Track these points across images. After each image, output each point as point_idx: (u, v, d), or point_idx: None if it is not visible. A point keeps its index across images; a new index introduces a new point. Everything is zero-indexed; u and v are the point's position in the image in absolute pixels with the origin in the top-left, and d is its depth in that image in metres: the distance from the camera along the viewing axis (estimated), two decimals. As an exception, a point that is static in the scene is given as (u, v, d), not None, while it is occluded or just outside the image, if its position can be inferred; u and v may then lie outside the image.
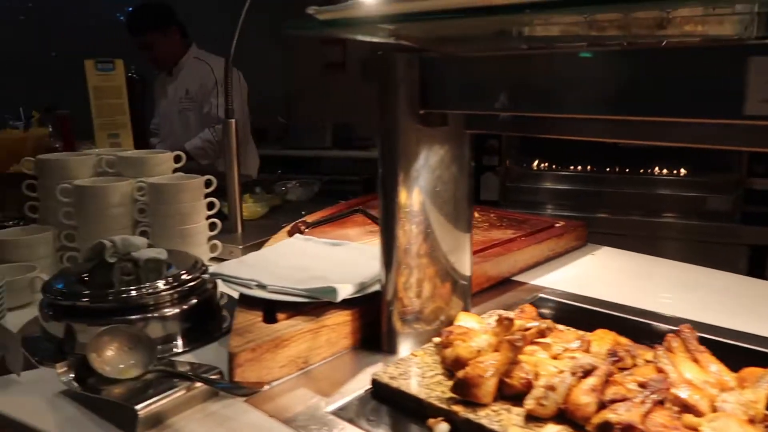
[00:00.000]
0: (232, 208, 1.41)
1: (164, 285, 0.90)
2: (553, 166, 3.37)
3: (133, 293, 0.88)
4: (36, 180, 1.26)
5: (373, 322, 0.89)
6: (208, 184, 1.27)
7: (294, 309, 0.88)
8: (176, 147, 2.60)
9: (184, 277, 0.93)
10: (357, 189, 3.29)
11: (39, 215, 1.26)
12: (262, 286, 0.91)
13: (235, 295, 0.96)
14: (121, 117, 1.46)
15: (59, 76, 3.63)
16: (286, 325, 0.83)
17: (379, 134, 0.84)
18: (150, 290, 0.89)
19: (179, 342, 0.90)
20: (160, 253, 0.97)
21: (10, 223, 1.46)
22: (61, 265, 1.22)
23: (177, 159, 1.33)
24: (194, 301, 0.93)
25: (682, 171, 2.96)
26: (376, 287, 0.90)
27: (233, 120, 1.40)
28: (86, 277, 0.95)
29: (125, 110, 1.46)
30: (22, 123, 1.81)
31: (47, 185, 1.23)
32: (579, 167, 3.31)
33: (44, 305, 0.93)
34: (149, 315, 0.88)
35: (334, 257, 1.06)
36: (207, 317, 0.96)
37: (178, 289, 0.91)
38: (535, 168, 3.38)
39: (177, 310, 0.90)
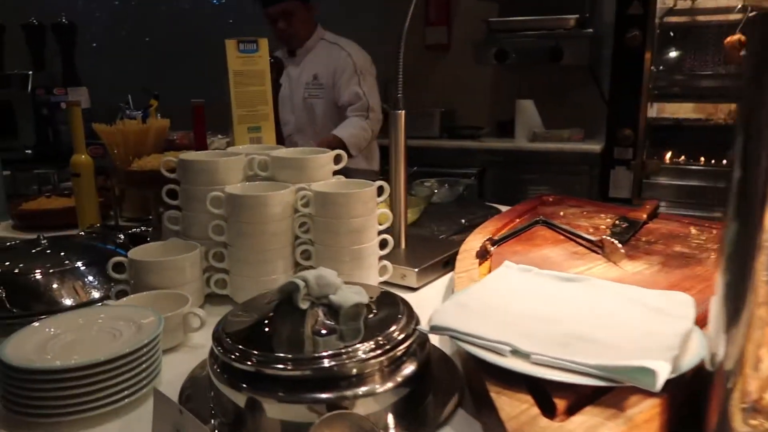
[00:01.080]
0: (397, 217, 1.15)
1: (373, 347, 0.65)
2: (691, 160, 2.97)
3: (342, 359, 0.63)
4: (176, 184, 1.04)
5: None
6: (380, 191, 1.01)
7: (568, 388, 0.61)
8: (303, 141, 2.39)
9: (396, 334, 0.67)
10: (472, 182, 3.00)
11: (182, 227, 1.05)
12: (520, 354, 0.64)
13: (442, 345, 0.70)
14: (263, 107, 1.22)
15: (153, 61, 3.53)
16: (583, 426, 0.56)
17: (744, 128, 0.54)
18: (359, 355, 0.64)
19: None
20: (359, 295, 0.72)
21: (137, 229, 1.26)
22: (208, 289, 1.00)
23: (337, 159, 1.08)
24: (410, 369, 0.67)
25: None
26: (695, 361, 0.61)
27: (402, 112, 1.13)
28: (267, 326, 0.71)
29: (268, 99, 1.23)
30: (140, 113, 1.63)
31: (191, 192, 1.01)
32: (713, 161, 2.90)
33: (216, 361, 0.69)
34: (357, 390, 0.63)
35: (585, 302, 0.78)
36: (423, 391, 0.70)
37: (390, 353, 0.65)
38: (669, 162, 2.99)
39: (390, 385, 0.65)
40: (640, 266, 1.01)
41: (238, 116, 1.20)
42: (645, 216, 1.30)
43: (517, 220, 1.37)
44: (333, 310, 0.70)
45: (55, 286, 0.98)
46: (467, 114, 3.67)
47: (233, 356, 0.66)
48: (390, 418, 0.64)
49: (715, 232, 1.22)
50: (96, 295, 0.98)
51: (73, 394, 0.64)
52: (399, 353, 0.66)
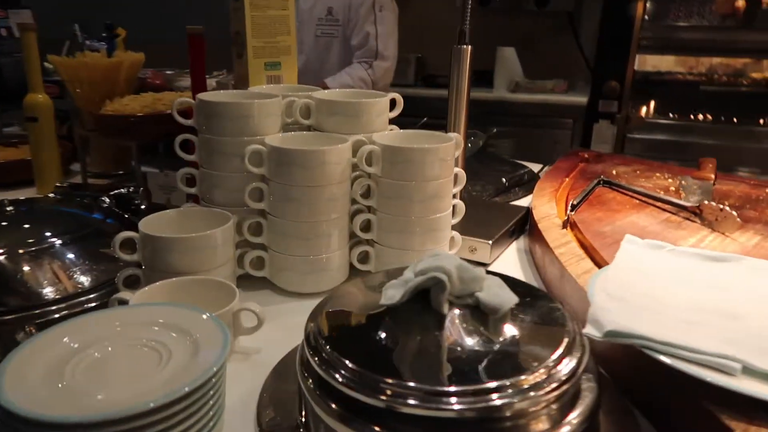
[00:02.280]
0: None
1: (538, 376, 0.45)
2: (676, 115, 2.90)
3: (515, 393, 0.44)
4: (194, 134, 0.80)
5: None
6: (456, 145, 0.81)
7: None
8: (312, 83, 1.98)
9: (566, 352, 0.48)
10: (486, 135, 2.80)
11: (200, 189, 0.81)
12: (754, 372, 0.47)
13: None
14: (284, 38, 0.97)
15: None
16: None
17: None
18: (524, 387, 0.44)
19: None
20: (504, 289, 0.52)
21: (123, 190, 1.00)
22: (240, 270, 0.77)
23: (392, 106, 0.87)
24: (590, 400, 0.49)
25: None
26: None
27: (469, 48, 0.92)
28: (389, 336, 0.51)
29: (291, 27, 0.98)
30: (104, 44, 1.32)
31: (216, 144, 0.77)
32: (701, 116, 2.85)
33: (316, 385, 0.49)
34: None
35: (758, 290, 0.62)
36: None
37: (570, 381, 0.46)
38: (651, 116, 2.92)
39: (574, 420, 0.46)
40: (755, 237, 0.86)
41: (253, 48, 0.95)
42: (713, 176, 1.16)
43: (566, 179, 1.20)
44: (477, 314, 0.51)
45: (26, 269, 0.73)
46: (442, 63, 3.45)
47: (349, 383, 0.46)
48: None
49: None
50: (85, 282, 0.74)
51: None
52: (574, 380, 0.47)
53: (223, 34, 1.06)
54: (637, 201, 1.03)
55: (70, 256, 0.77)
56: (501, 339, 0.49)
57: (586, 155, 1.39)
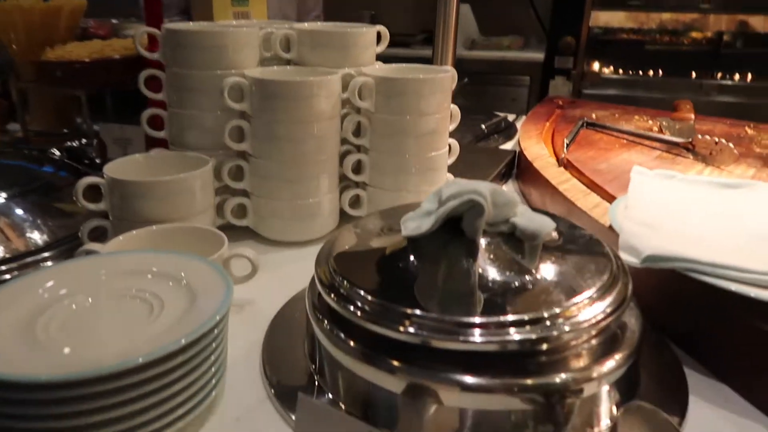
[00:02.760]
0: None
1: (582, 306, 0.41)
2: (630, 71, 2.93)
3: (565, 322, 0.39)
4: (161, 69, 0.70)
5: None
6: (453, 78, 0.75)
7: None
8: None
9: (610, 280, 0.43)
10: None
11: (170, 132, 0.72)
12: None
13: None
14: (251, -33, 0.88)
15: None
16: None
17: None
18: (567, 318, 0.39)
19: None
20: (540, 216, 0.47)
21: (73, 143, 0.90)
22: (220, 220, 0.70)
23: (378, 38, 0.79)
24: (636, 328, 0.45)
25: None
26: None
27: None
28: (409, 266, 0.45)
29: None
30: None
31: (187, 80, 0.68)
32: (651, 72, 2.89)
33: (333, 325, 0.43)
34: (594, 369, 0.40)
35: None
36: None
37: (618, 310, 0.42)
38: (605, 72, 2.93)
39: (620, 356, 0.42)
40: (750, 170, 0.84)
41: (216, -20, 0.85)
42: (692, 116, 1.14)
43: (546, 123, 1.16)
44: (512, 242, 0.45)
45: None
46: (393, 20, 3.36)
47: (375, 318, 0.40)
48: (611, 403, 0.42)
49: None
50: (38, 239, 0.65)
51: (99, 421, 0.35)
52: (620, 311, 0.43)
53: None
54: (625, 141, 1.00)
55: (19, 211, 0.67)
56: (541, 268, 0.44)
57: (561, 102, 1.35)
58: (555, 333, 0.38)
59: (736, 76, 2.69)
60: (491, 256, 0.44)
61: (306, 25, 0.77)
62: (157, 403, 0.37)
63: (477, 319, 0.38)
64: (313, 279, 0.50)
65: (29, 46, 1.05)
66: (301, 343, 0.50)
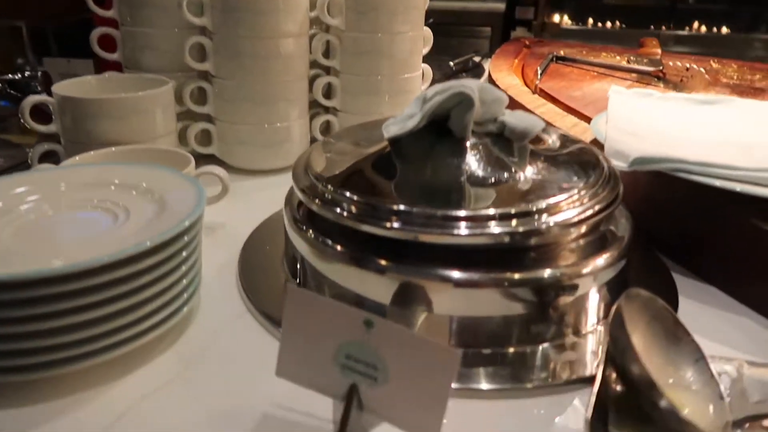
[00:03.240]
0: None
1: (588, 197, 0.39)
2: (580, 23, 2.93)
3: (555, 219, 0.37)
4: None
5: None
6: (423, -2, 0.71)
7: None
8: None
9: (601, 180, 0.42)
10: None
11: (123, 54, 0.66)
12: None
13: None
14: None
15: None
16: None
17: None
18: (559, 214, 0.38)
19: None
20: (532, 117, 0.45)
21: (14, 76, 0.83)
22: (184, 148, 0.65)
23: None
24: (627, 228, 0.43)
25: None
26: None
27: None
28: (394, 167, 0.42)
29: None
30: None
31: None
32: (609, 24, 2.90)
33: (313, 233, 0.40)
34: (584, 266, 0.39)
35: (759, 123, 0.59)
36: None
37: (612, 206, 0.40)
38: (565, 23, 2.93)
39: (615, 253, 0.40)
40: (723, 92, 0.84)
41: None
42: (659, 52, 1.14)
43: (515, 60, 1.14)
44: (501, 142, 0.43)
45: None
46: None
47: (363, 217, 0.37)
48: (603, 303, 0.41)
49: (735, 66, 1.09)
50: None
51: (65, 326, 0.32)
52: (610, 210, 0.41)
53: None
54: (595, 73, 0.99)
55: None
56: (531, 168, 0.42)
57: (527, 42, 1.33)
58: (545, 226, 0.37)
59: (694, 26, 2.72)
60: (479, 156, 0.42)
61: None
62: (128, 309, 0.33)
63: (467, 212, 0.36)
64: (290, 192, 0.47)
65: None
66: (279, 261, 0.47)
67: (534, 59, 1.10)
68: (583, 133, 0.64)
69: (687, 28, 2.71)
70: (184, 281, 0.38)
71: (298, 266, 0.43)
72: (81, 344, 0.32)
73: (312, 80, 0.68)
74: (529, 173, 0.41)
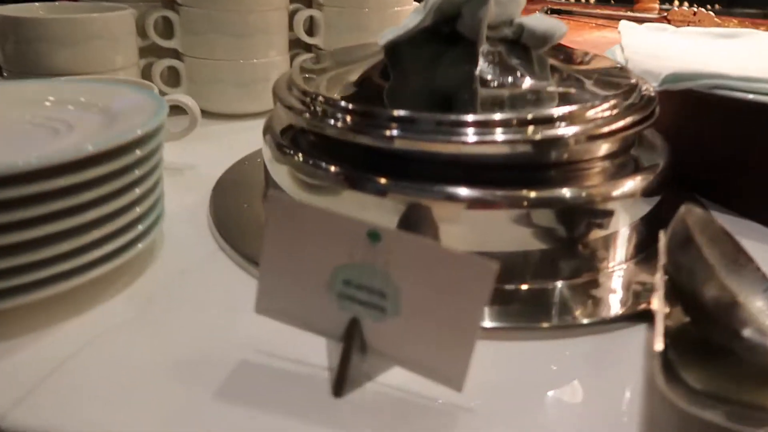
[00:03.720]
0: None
1: (600, 108, 0.33)
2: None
3: (580, 127, 0.31)
4: None
5: None
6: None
7: None
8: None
9: (632, 90, 0.35)
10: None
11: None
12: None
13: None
14: None
15: None
16: None
17: None
18: (583, 123, 0.31)
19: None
20: (553, 20, 0.39)
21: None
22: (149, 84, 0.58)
23: None
24: (654, 165, 0.37)
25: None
26: None
27: None
28: (399, 74, 0.36)
29: None
30: None
31: None
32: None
33: (304, 154, 0.34)
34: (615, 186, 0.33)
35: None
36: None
37: (648, 120, 0.34)
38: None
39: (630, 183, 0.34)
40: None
41: None
42: (657, 6, 1.09)
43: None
44: (518, 49, 0.37)
45: None
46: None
47: (359, 128, 0.31)
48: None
49: (736, 21, 1.04)
50: None
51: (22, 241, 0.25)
52: (644, 126, 0.35)
53: None
54: (594, 24, 0.93)
55: None
56: (553, 76, 0.36)
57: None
58: (570, 134, 0.30)
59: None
60: (494, 63, 0.35)
61: None
62: (70, 233, 0.27)
63: (479, 118, 0.30)
64: (270, 118, 0.41)
65: None
66: (258, 200, 0.41)
67: (526, 12, 1.04)
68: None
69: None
70: (138, 209, 0.31)
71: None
72: (8, 275, 0.25)
73: (292, 15, 0.61)
74: (551, 83, 0.35)
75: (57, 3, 0.56)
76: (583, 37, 0.79)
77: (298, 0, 0.62)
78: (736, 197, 0.42)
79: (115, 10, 0.52)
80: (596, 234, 0.33)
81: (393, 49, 0.37)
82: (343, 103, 0.32)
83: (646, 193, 0.34)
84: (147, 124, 0.30)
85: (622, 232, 0.34)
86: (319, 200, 0.34)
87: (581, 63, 0.40)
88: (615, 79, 0.37)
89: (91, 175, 0.26)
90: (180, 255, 0.35)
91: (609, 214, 0.32)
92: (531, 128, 0.30)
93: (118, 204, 0.29)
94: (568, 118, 0.31)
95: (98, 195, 0.27)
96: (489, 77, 0.35)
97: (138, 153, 0.29)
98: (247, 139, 0.51)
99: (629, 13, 0.94)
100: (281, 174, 0.36)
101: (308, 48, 0.64)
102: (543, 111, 0.31)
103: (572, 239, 0.31)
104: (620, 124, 0.32)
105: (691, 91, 0.41)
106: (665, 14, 0.84)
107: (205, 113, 0.59)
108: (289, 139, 0.37)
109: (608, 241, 0.33)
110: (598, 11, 0.99)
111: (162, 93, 0.58)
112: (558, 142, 0.30)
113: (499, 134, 0.30)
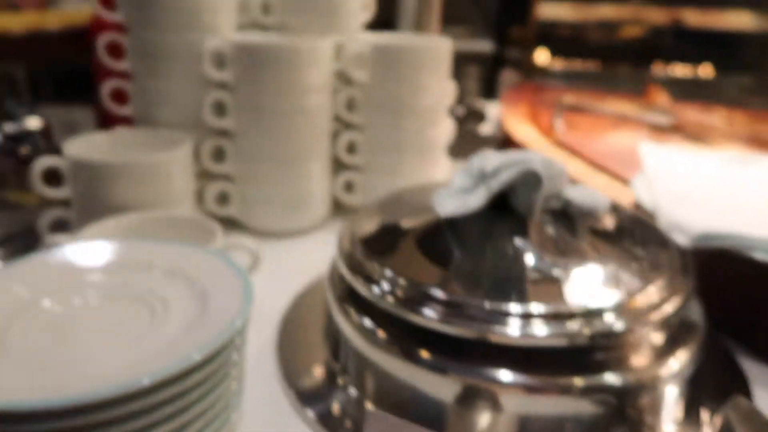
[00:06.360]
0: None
1: (648, 290, 0.36)
2: (579, 61, 2.98)
3: (632, 314, 0.34)
4: (123, 31, 0.61)
5: None
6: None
7: None
8: None
9: (674, 278, 0.39)
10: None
11: (136, 108, 0.62)
12: None
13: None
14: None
15: None
16: None
17: None
18: (635, 311, 0.35)
19: None
20: (594, 192, 0.42)
21: (12, 124, 0.79)
22: (202, 207, 0.61)
23: (364, 6, 0.72)
24: (692, 336, 0.40)
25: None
26: None
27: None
28: (467, 253, 0.39)
29: None
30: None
31: (157, 44, 0.59)
32: (592, 63, 2.95)
33: (374, 323, 0.36)
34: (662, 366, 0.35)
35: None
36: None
37: (670, 312, 0.37)
38: (554, 63, 2.97)
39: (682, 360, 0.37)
40: (737, 147, 0.83)
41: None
42: (666, 101, 1.14)
43: (523, 107, 1.12)
44: (564, 220, 0.40)
45: None
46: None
47: (417, 309, 0.34)
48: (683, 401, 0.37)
49: (742, 117, 1.09)
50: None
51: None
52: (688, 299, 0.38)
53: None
54: (608, 121, 0.98)
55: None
56: (599, 251, 0.39)
57: (531, 86, 1.33)
58: (623, 326, 0.33)
59: (678, 68, 2.78)
60: (544, 238, 0.39)
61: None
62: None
63: (540, 309, 0.33)
64: (334, 268, 0.44)
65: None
66: (320, 341, 0.43)
67: (543, 107, 1.09)
68: (620, 194, 0.61)
69: (672, 67, 2.76)
70: (231, 389, 0.33)
71: (343, 350, 0.39)
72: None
73: (334, 136, 0.65)
74: (598, 259, 0.38)
75: (118, 131, 0.60)
76: (603, 142, 0.83)
77: (340, 121, 0.66)
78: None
79: (174, 142, 0.56)
80: (642, 405, 0.35)
81: (450, 219, 0.40)
82: (402, 281, 0.35)
83: (691, 362, 0.37)
84: (242, 312, 0.33)
85: (667, 400, 0.36)
86: (379, 358, 0.36)
87: (620, 224, 0.43)
88: (655, 247, 0.40)
89: (197, 378, 0.29)
90: (253, 414, 0.37)
91: (657, 390, 0.35)
92: (582, 322, 0.33)
93: (218, 392, 0.31)
94: (619, 310, 0.34)
95: (200, 394, 0.30)
96: (542, 252, 0.38)
97: (237, 342, 0.32)
98: (300, 260, 0.57)
99: (643, 117, 0.99)
100: (344, 326, 0.39)
101: (350, 166, 0.67)
102: (593, 302, 0.33)
103: (620, 415, 0.34)
104: (668, 309, 0.35)
105: (721, 249, 0.44)
106: (677, 122, 0.89)
107: (253, 231, 0.63)
108: (347, 293, 0.40)
109: (654, 410, 0.36)
110: (612, 108, 1.04)
111: (214, 215, 0.61)
112: (609, 335, 0.33)
113: (561, 327, 0.33)
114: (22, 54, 0.83)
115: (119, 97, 0.62)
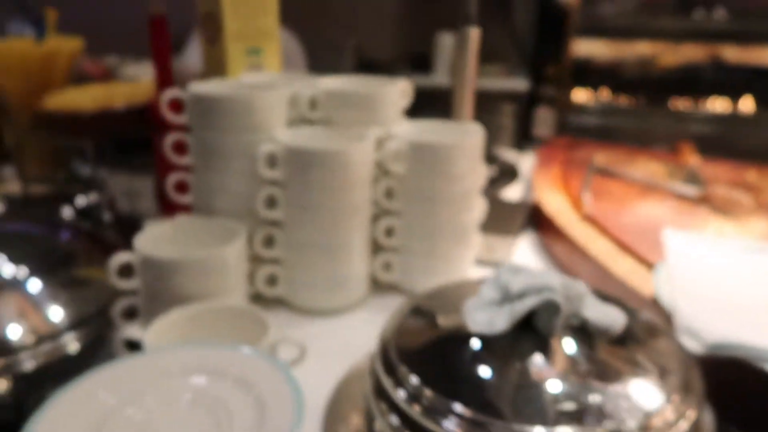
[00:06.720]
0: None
1: (665, 408, 0.40)
2: (614, 99, 2.99)
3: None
4: (185, 131, 0.68)
5: None
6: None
7: None
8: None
9: (686, 381, 0.43)
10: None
11: (195, 198, 0.69)
12: None
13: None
14: (266, 20, 0.86)
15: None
16: None
17: None
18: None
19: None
20: (610, 309, 0.46)
21: (83, 198, 0.87)
22: (253, 287, 0.67)
23: (403, 93, 0.78)
24: None
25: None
26: None
27: (476, 30, 0.85)
28: (495, 372, 0.43)
29: (272, 7, 0.87)
30: (34, 28, 1.14)
31: (216, 143, 0.65)
32: (634, 99, 2.95)
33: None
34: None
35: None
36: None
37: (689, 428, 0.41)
38: (589, 101, 2.98)
39: None
40: (765, 221, 0.85)
41: (231, 32, 0.83)
42: (695, 160, 1.16)
43: (555, 170, 1.16)
44: (582, 337, 0.44)
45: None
46: (374, 45, 3.36)
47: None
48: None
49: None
50: (61, 319, 0.61)
51: None
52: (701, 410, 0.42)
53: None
54: (636, 188, 1.01)
55: (37, 288, 0.63)
56: (613, 366, 0.43)
57: (560, 143, 1.36)
58: None
59: (715, 105, 2.77)
60: (563, 356, 0.43)
61: (331, 82, 0.76)
62: None
63: None
64: (372, 366, 0.48)
65: (26, 92, 1.01)
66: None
67: (575, 168, 1.12)
68: (641, 283, 0.64)
69: (708, 105, 2.75)
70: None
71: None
72: None
73: (374, 219, 0.70)
74: (615, 377, 0.42)
75: (179, 219, 0.67)
76: (630, 215, 0.86)
77: (378, 206, 0.71)
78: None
79: (230, 231, 0.62)
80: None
81: (483, 338, 0.44)
82: (428, 392, 0.40)
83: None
84: (297, 424, 0.38)
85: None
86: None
87: (636, 338, 0.47)
88: (670, 363, 0.44)
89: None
90: None
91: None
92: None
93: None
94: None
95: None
96: (564, 371, 0.42)
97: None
98: (341, 341, 0.63)
99: (672, 180, 1.02)
100: (380, 424, 0.44)
101: (387, 248, 0.72)
102: (612, 425, 0.37)
103: None
104: (684, 427, 0.38)
105: (733, 358, 0.47)
106: (705, 193, 0.91)
107: (295, 309, 0.68)
108: (387, 399, 0.44)
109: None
110: (641, 174, 1.07)
111: (264, 294, 0.67)
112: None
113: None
114: (91, 131, 0.92)
115: (181, 188, 0.69)
